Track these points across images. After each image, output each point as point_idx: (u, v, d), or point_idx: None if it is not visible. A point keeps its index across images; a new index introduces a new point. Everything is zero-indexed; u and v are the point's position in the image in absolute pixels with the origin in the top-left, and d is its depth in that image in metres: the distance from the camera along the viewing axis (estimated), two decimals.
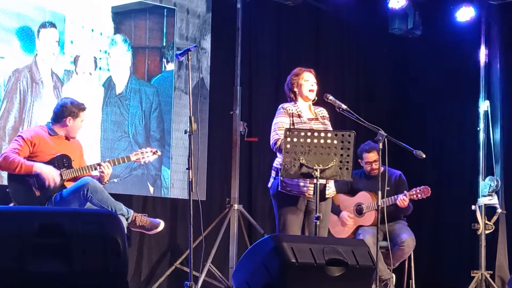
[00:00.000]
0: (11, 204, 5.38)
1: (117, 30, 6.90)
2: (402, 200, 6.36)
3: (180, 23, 7.25)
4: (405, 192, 6.41)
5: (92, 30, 6.76)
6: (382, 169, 6.64)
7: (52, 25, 6.52)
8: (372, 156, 6.53)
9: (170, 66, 7.18)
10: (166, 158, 7.06)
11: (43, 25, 6.47)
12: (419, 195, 6.38)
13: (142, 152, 5.70)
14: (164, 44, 7.18)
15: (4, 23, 6.28)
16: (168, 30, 7.19)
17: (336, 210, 6.54)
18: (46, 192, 5.36)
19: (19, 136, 5.48)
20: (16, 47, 6.33)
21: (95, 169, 5.49)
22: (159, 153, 5.80)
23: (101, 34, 6.80)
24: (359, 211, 6.54)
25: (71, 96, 5.92)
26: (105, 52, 6.81)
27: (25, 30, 6.38)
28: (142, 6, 7.06)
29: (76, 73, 6.66)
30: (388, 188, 6.54)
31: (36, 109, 6.40)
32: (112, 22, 6.87)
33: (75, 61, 6.65)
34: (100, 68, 6.80)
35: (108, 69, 6.84)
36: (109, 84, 6.84)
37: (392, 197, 6.39)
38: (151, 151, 5.74)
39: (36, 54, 6.43)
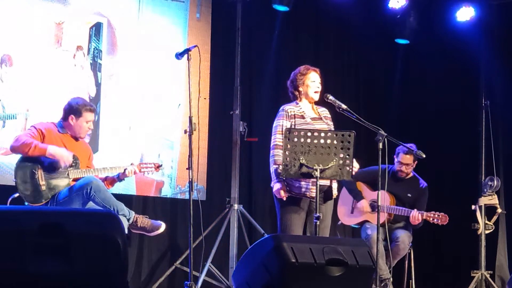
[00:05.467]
0: (16, 195, 5.40)
1: None
2: (415, 216, 6.35)
3: None
4: (419, 211, 6.41)
5: None
6: (411, 174, 6.69)
7: None
8: (408, 158, 6.58)
9: None
10: None
11: None
12: (435, 220, 6.38)
13: (146, 164, 5.72)
14: None
15: None
16: None
17: (357, 195, 6.56)
18: (52, 188, 5.36)
19: (32, 126, 5.51)
20: None
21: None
22: (163, 167, 5.81)
23: None
24: (372, 208, 6.55)
25: None
26: None
27: None
28: None
29: None
30: (410, 195, 6.56)
31: None
32: None
33: None
34: None
35: None
36: None
37: (407, 210, 6.40)
38: (155, 165, 5.75)
39: None
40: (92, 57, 6.69)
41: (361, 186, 6.64)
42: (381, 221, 6.42)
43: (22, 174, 5.34)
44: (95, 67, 6.72)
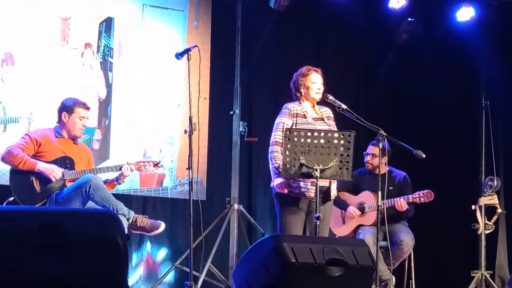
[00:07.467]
0: (11, 199, 5.40)
1: None
2: (400, 203, 6.37)
3: None
4: (404, 196, 6.42)
5: None
6: (386, 169, 6.68)
7: None
8: (372, 149, 6.57)
9: None
10: None
11: None
12: (422, 199, 6.39)
13: (144, 162, 5.71)
14: None
15: None
16: None
17: (344, 205, 6.56)
18: (47, 189, 5.36)
19: (26, 134, 5.51)
20: None
21: (117, 170, 5.53)
22: (161, 165, 5.80)
23: None
24: (361, 210, 6.55)
25: None
26: None
27: None
28: None
29: None
30: (391, 188, 6.55)
31: None
32: None
33: None
34: None
35: None
36: None
37: (391, 200, 6.40)
38: (153, 162, 5.74)
39: None
40: (102, 55, 6.51)
41: (344, 195, 6.63)
42: (373, 221, 6.45)
43: (17, 179, 5.35)
44: (106, 66, 6.53)
